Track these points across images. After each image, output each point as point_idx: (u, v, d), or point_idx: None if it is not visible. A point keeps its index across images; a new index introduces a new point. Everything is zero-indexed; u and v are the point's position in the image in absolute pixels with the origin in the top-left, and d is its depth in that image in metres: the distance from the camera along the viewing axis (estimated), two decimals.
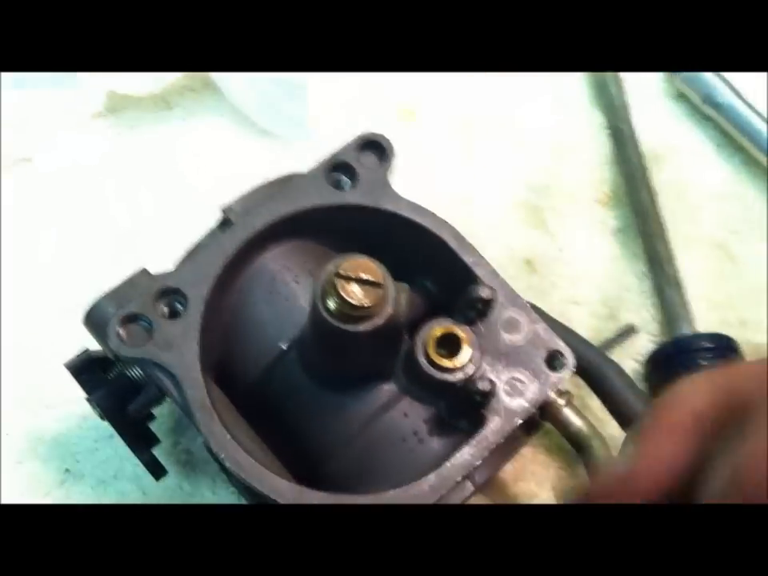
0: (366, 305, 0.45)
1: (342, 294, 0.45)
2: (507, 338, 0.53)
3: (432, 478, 0.50)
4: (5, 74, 0.76)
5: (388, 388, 0.54)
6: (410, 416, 0.53)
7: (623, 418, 0.60)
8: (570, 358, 0.53)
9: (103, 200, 0.77)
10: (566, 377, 0.53)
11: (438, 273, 0.56)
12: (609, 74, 0.78)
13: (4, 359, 0.68)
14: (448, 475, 0.50)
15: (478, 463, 0.50)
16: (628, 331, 0.69)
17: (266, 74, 0.76)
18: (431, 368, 0.52)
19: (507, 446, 0.53)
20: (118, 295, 0.53)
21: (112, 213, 0.75)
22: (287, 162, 0.71)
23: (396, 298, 0.46)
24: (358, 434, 0.53)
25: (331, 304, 0.46)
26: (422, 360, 0.52)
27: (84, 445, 0.66)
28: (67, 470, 0.66)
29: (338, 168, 0.56)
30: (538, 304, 0.70)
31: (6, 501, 0.64)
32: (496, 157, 0.79)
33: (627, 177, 0.75)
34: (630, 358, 0.69)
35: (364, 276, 0.45)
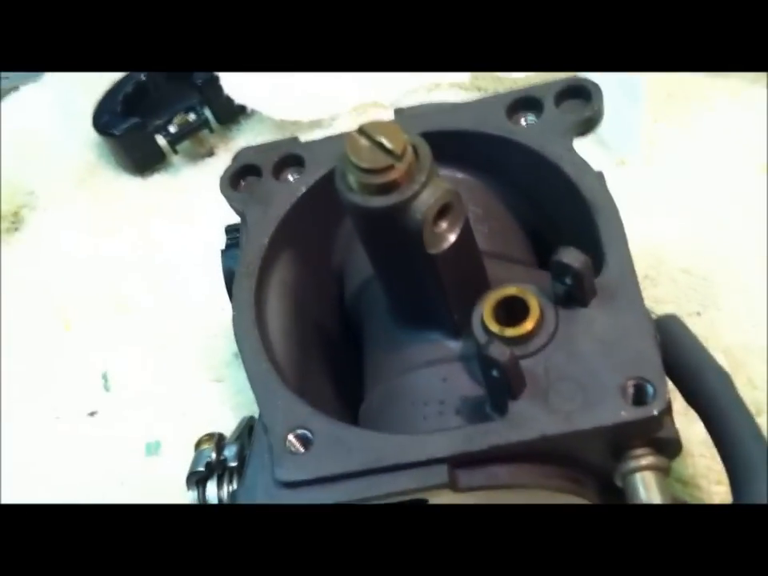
0: (364, 166, 0.38)
1: (348, 147, 0.38)
2: (596, 337, 0.40)
3: (399, 439, 0.40)
4: None
5: (449, 345, 0.45)
6: (449, 383, 0.43)
7: None
8: (660, 398, 0.38)
9: None
10: (641, 417, 0.38)
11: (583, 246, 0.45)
12: None
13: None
14: (412, 451, 0.39)
15: (444, 455, 0.39)
16: None
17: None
18: (481, 329, 0.41)
19: (527, 465, 0.40)
20: (263, 148, 0.52)
21: None
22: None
23: (421, 185, 0.38)
24: (390, 379, 0.45)
25: (340, 165, 0.39)
26: (475, 319, 0.42)
27: None
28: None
29: (525, 103, 0.48)
30: None
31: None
32: None
33: None
34: None
35: (382, 140, 0.38)
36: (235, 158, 0.52)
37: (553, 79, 0.49)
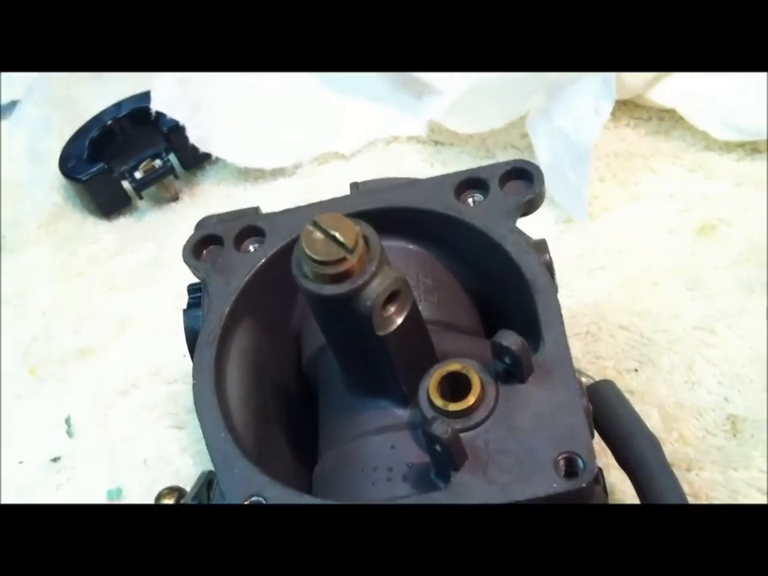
0: (318, 258, 0.41)
1: (303, 240, 0.41)
2: (533, 413, 0.44)
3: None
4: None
5: (398, 414, 0.48)
6: (397, 450, 0.46)
7: None
8: (589, 471, 0.42)
9: None
10: (572, 489, 0.42)
11: (521, 326, 0.48)
12: None
13: None
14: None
15: None
16: None
17: (562, 133, 0.73)
18: (426, 403, 0.45)
19: None
20: (225, 217, 0.55)
21: None
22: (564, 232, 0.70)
23: (371, 275, 0.41)
24: (342, 444, 0.48)
25: (295, 253, 0.42)
26: (421, 393, 0.45)
27: None
28: None
29: (472, 183, 0.52)
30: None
31: None
32: None
33: None
34: None
35: (335, 233, 0.41)
36: (198, 227, 0.54)
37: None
